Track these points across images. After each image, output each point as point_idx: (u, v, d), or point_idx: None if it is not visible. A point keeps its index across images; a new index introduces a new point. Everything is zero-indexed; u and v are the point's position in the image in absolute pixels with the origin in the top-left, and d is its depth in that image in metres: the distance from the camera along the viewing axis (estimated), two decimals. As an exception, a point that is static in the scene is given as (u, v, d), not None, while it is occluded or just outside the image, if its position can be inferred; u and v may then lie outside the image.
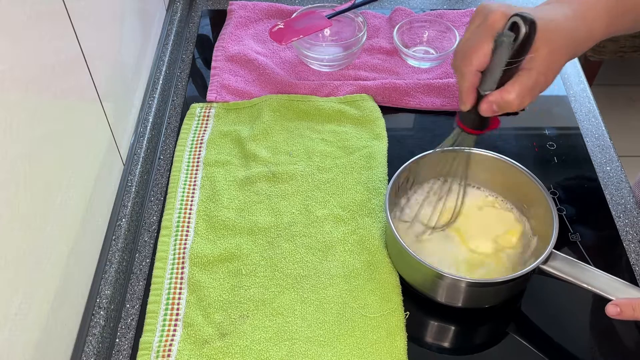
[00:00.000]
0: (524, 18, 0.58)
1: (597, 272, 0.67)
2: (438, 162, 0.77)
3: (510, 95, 0.61)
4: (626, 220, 0.82)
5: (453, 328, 0.74)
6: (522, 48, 0.59)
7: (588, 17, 0.64)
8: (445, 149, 0.74)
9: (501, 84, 0.62)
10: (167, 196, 0.85)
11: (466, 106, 0.65)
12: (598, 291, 0.66)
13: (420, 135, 0.95)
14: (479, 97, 0.64)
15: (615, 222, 0.82)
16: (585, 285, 0.67)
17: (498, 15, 0.60)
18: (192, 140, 0.93)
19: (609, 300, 0.64)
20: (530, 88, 0.61)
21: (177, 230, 0.81)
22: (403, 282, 0.75)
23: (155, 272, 0.77)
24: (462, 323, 0.74)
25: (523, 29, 0.58)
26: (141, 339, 0.71)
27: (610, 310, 0.62)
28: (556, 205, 0.83)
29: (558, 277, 0.68)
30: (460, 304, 0.72)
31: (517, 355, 0.71)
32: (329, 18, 1.03)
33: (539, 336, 0.72)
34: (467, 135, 0.69)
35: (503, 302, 0.74)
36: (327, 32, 1.07)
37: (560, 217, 0.82)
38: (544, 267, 0.69)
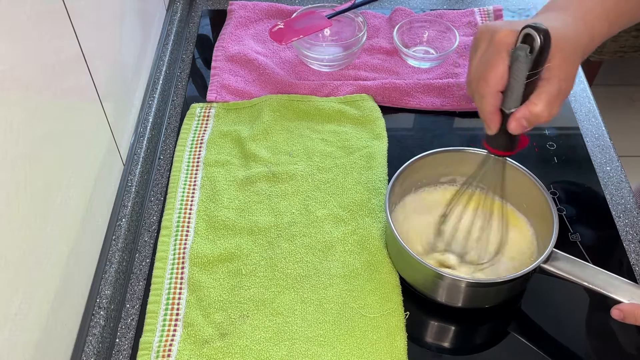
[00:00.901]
0: (536, 28, 0.57)
1: (598, 270, 0.67)
2: (469, 179, 0.74)
3: (538, 107, 0.60)
4: (626, 220, 0.82)
5: (453, 328, 0.74)
6: (540, 58, 0.58)
7: (588, 22, 0.64)
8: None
9: (524, 99, 0.61)
10: (167, 196, 0.85)
11: (493, 130, 0.64)
12: (599, 289, 0.66)
13: (420, 136, 0.95)
14: (504, 117, 0.63)
15: (615, 222, 0.82)
16: (586, 284, 0.67)
17: (504, 33, 0.60)
18: (192, 140, 0.93)
19: (609, 298, 0.65)
20: (556, 96, 0.61)
21: (177, 230, 0.81)
22: (403, 282, 0.75)
23: (155, 272, 0.77)
24: (462, 323, 0.74)
25: (537, 40, 0.57)
26: (141, 339, 0.71)
27: (615, 314, 0.63)
28: (556, 205, 0.83)
29: (559, 276, 0.68)
30: (460, 304, 0.72)
31: (518, 354, 0.71)
32: (329, 18, 1.03)
33: (539, 335, 0.72)
34: (497, 158, 0.68)
35: (503, 302, 0.74)
36: (327, 32, 1.07)
37: (560, 217, 0.82)
38: (545, 266, 0.69)
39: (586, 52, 0.64)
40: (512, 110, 0.62)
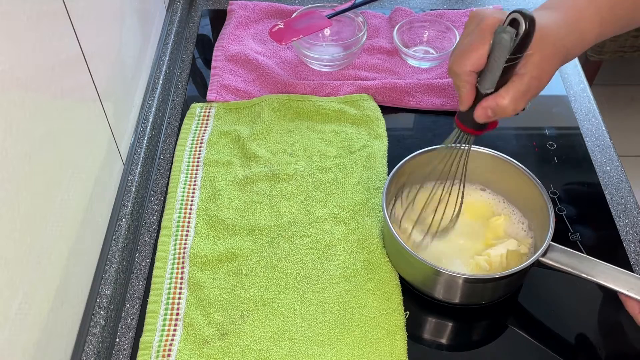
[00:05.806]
0: (523, 14, 0.58)
1: (596, 262, 0.68)
2: (435, 163, 0.76)
3: (504, 100, 0.62)
4: (626, 220, 0.83)
5: (453, 325, 0.74)
6: (522, 45, 0.60)
7: (580, 24, 0.65)
8: (444, 146, 0.73)
9: (500, 84, 0.62)
10: (167, 196, 0.85)
11: (465, 106, 0.66)
12: (597, 280, 0.66)
13: (420, 135, 0.95)
14: (478, 97, 0.65)
15: (615, 222, 0.82)
16: (584, 275, 0.67)
17: (492, 20, 0.61)
18: (192, 140, 0.93)
19: (608, 289, 0.65)
20: (523, 92, 0.62)
21: (177, 230, 0.81)
22: (403, 281, 0.75)
23: (155, 272, 0.77)
24: (461, 320, 0.74)
25: (523, 25, 0.58)
26: (141, 339, 0.71)
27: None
28: (556, 205, 0.83)
29: (557, 268, 0.69)
30: (457, 300, 0.72)
31: (517, 347, 0.71)
32: (329, 18, 1.03)
33: (538, 328, 0.73)
34: (466, 135, 0.69)
35: (501, 297, 0.74)
36: (327, 32, 1.07)
37: (560, 217, 0.82)
38: (544, 259, 0.69)
39: (571, 53, 0.65)
40: (488, 91, 0.63)
